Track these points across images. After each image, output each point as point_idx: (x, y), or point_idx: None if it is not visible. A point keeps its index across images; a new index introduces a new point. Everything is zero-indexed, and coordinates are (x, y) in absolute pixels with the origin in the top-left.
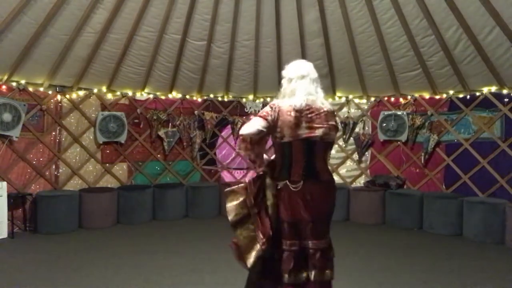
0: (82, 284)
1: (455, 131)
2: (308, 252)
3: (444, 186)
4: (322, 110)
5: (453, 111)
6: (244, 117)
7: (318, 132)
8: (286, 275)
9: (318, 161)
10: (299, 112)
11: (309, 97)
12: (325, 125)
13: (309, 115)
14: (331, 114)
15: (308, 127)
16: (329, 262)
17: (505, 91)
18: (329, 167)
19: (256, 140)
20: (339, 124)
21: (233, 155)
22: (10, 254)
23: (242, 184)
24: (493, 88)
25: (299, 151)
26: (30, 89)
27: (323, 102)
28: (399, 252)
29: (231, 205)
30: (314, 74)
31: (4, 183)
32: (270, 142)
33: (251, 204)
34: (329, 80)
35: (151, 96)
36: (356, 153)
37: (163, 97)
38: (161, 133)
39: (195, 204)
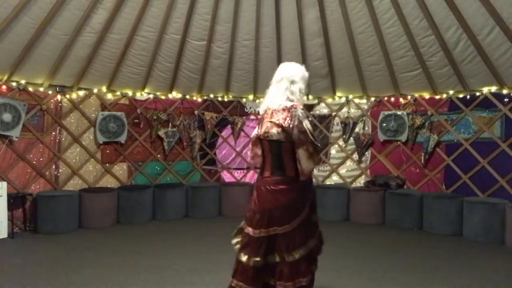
0: (82, 284)
1: (455, 131)
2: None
3: (444, 186)
4: (271, 110)
5: (453, 111)
6: (244, 117)
7: (262, 130)
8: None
9: (266, 159)
10: (262, 114)
11: (271, 99)
12: (267, 124)
13: (263, 115)
14: (278, 112)
15: (260, 126)
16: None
17: (505, 91)
18: (310, 169)
19: (253, 141)
20: (295, 120)
21: (233, 155)
22: (10, 254)
23: None
24: (493, 88)
25: (261, 148)
26: (30, 89)
27: (279, 102)
28: (399, 252)
29: None
30: (280, 75)
31: (4, 183)
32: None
33: None
34: (329, 80)
35: (151, 96)
36: (356, 153)
37: (163, 97)
38: (161, 133)
39: (195, 204)
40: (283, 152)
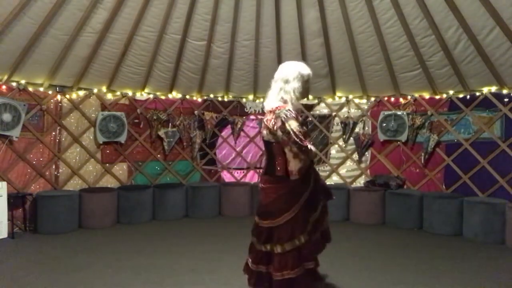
0: (82, 284)
1: (455, 131)
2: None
3: (444, 186)
4: (266, 111)
5: (453, 111)
6: (244, 117)
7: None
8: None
9: (265, 158)
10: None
11: (268, 101)
12: (263, 125)
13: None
14: (269, 113)
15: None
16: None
17: (505, 91)
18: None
19: None
20: (278, 122)
21: (233, 155)
22: (10, 254)
23: None
24: (493, 88)
25: None
26: (30, 89)
27: (271, 104)
28: (399, 252)
29: None
30: (276, 76)
31: (4, 183)
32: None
33: None
34: (329, 80)
35: (151, 96)
36: (356, 153)
37: (163, 97)
38: (161, 133)
39: (195, 204)
40: (275, 152)
